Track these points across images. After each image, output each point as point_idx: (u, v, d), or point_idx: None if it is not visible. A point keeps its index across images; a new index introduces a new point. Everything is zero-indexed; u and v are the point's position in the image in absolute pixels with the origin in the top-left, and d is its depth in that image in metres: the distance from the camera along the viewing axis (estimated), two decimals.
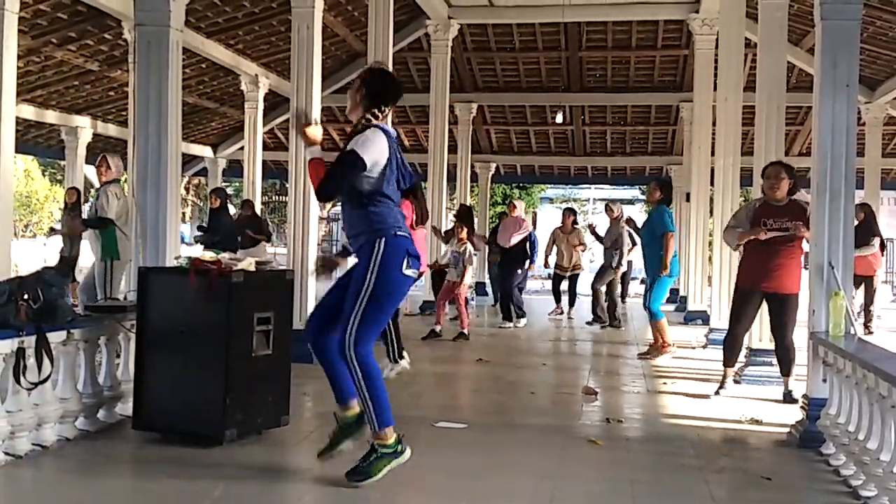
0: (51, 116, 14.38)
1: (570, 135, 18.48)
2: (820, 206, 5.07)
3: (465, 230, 9.90)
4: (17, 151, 9.22)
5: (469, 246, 9.81)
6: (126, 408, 4.99)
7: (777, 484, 4.31)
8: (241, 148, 16.20)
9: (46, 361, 4.30)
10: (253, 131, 14.64)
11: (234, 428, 4.55)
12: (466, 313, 9.85)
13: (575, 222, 12.80)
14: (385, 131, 4.03)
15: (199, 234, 11.95)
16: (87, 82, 13.63)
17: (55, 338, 4.46)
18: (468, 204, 13.36)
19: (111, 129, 15.77)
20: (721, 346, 6.58)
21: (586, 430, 5.40)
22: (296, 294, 6.11)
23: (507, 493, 4.07)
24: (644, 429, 5.66)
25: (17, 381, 4.21)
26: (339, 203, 4.22)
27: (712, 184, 10.03)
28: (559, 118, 16.61)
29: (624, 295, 14.07)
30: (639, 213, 20.48)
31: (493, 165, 19.33)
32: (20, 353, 4.20)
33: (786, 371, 6.27)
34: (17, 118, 8.25)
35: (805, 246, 6.15)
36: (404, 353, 7.07)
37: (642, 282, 9.77)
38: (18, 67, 8.10)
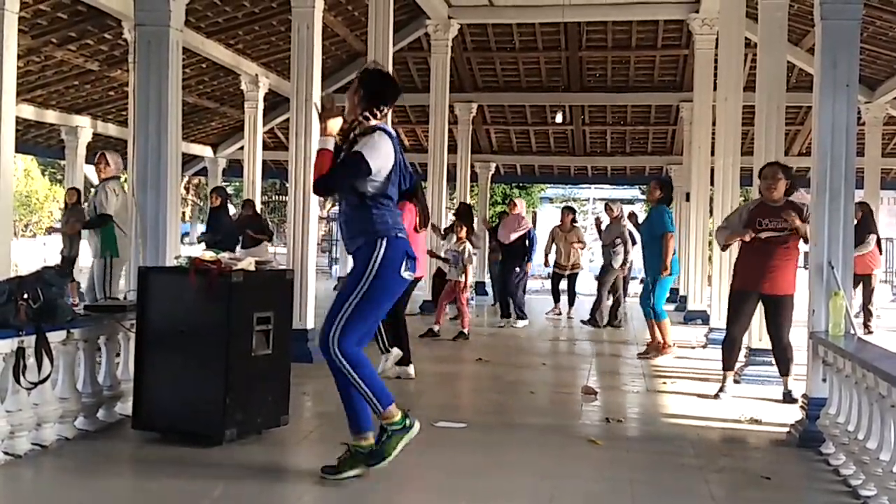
0: (51, 116, 14.40)
1: (569, 135, 18.48)
2: (820, 206, 5.07)
3: (465, 229, 9.90)
4: (17, 151, 9.23)
5: (468, 245, 9.81)
6: (126, 407, 5.00)
7: (777, 483, 4.31)
8: (241, 148, 16.21)
9: (46, 361, 4.30)
10: (253, 131, 14.65)
11: (234, 428, 4.55)
12: (467, 313, 9.86)
13: (574, 220, 12.81)
14: (388, 133, 4.04)
15: (204, 234, 11.98)
16: (87, 82, 13.64)
17: (55, 337, 4.46)
18: (468, 203, 13.35)
19: (111, 129, 15.79)
20: (720, 346, 6.58)
21: (586, 430, 5.40)
22: (296, 294, 6.12)
23: (507, 492, 4.07)
24: (644, 428, 5.66)
25: (17, 381, 4.21)
26: (337, 202, 4.21)
27: (712, 183, 10.03)
28: (559, 118, 16.62)
29: (624, 294, 14.06)
30: (641, 212, 20.43)
31: (493, 165, 19.34)
32: (20, 352, 4.20)
33: (784, 371, 6.27)
34: (17, 118, 8.25)
35: (802, 247, 6.16)
36: (410, 364, 7.03)
37: (641, 281, 9.76)
38: (18, 67, 8.10)
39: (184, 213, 29.24)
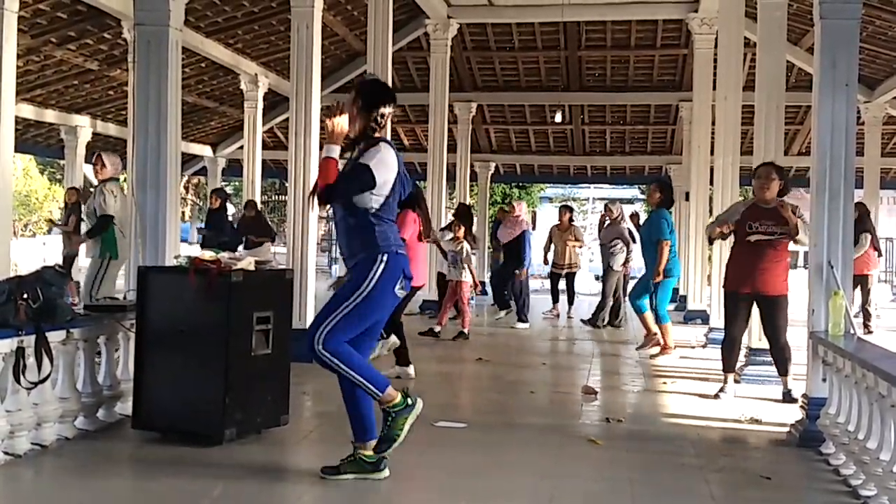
0: (50, 116, 14.38)
1: (569, 134, 18.48)
2: (819, 206, 5.07)
3: (463, 229, 9.89)
4: (16, 151, 9.23)
5: (466, 245, 9.80)
6: (125, 407, 4.99)
7: (776, 483, 4.31)
8: (241, 147, 16.20)
9: (46, 361, 4.30)
10: (252, 130, 14.64)
11: (234, 427, 4.55)
12: (468, 312, 9.86)
13: (571, 219, 12.83)
14: (391, 146, 4.07)
15: (202, 232, 12.00)
16: (87, 81, 13.63)
17: (55, 337, 4.45)
18: (467, 203, 13.36)
19: (111, 129, 15.77)
20: (720, 347, 6.58)
21: (586, 430, 5.40)
22: (295, 293, 6.12)
23: (507, 492, 4.07)
24: (644, 428, 5.65)
25: (17, 381, 4.20)
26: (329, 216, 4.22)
27: (711, 183, 10.02)
28: (558, 117, 16.60)
29: (625, 294, 14.05)
30: (642, 212, 20.36)
31: (493, 165, 19.34)
32: (20, 352, 4.20)
33: (783, 371, 6.27)
34: (17, 117, 8.26)
35: (792, 247, 6.19)
36: (410, 364, 7.03)
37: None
38: (18, 67, 8.09)
39: (183, 212, 29.24)
